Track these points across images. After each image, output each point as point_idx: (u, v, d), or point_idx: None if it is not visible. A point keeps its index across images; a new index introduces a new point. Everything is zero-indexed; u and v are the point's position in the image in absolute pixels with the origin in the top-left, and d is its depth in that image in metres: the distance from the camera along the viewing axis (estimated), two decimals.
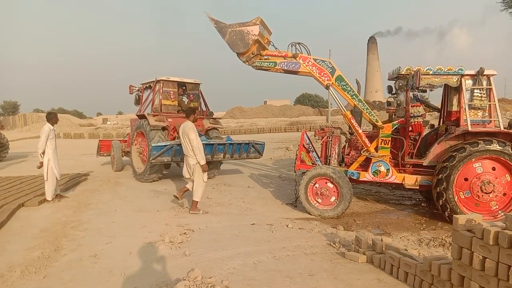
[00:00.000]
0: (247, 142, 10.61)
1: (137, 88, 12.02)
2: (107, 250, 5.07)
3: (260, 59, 7.43)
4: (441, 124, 7.66)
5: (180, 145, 8.65)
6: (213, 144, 9.59)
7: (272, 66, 7.41)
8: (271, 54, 7.46)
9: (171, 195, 8.68)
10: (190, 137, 6.86)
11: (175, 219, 6.69)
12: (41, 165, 7.86)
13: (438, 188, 6.39)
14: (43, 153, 7.82)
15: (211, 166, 10.77)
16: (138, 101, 11.93)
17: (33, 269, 4.40)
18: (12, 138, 26.02)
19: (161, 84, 10.60)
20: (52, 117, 8.14)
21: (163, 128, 10.22)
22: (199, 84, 11.50)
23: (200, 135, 9.38)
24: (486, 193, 6.27)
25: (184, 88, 11.45)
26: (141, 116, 10.63)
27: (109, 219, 6.70)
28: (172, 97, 10.82)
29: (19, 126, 57.45)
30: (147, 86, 11.47)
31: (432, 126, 8.22)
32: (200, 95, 11.56)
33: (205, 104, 11.67)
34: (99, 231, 5.98)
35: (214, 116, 11.69)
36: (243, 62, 7.44)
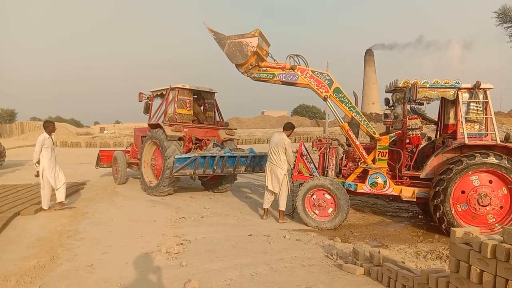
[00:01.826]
0: (254, 154, 9.97)
1: (146, 96, 11.49)
2: (103, 260, 5.04)
3: (258, 71, 7.49)
4: (438, 136, 7.71)
5: (203, 157, 8.62)
6: (236, 156, 9.29)
7: (271, 77, 7.45)
8: (269, 66, 7.52)
9: (168, 204, 8.71)
10: (288, 151, 7.34)
11: (171, 229, 6.66)
12: (37, 173, 7.81)
13: (435, 201, 6.40)
14: (38, 162, 7.75)
15: (226, 179, 10.46)
16: (147, 109, 11.34)
17: (29, 279, 4.36)
18: (9, 146, 25.96)
19: (176, 92, 10.02)
20: (48, 126, 8.03)
21: (179, 139, 9.61)
22: (214, 93, 11.10)
23: (222, 147, 9.31)
24: (483, 206, 6.28)
25: (198, 96, 10.90)
26: (155, 126, 9.95)
27: (105, 228, 6.67)
28: (188, 106, 10.23)
29: (16, 134, 57.26)
30: (158, 94, 10.96)
31: (429, 138, 8.26)
32: (215, 105, 11.14)
33: (220, 114, 11.22)
34: (95, 240, 5.94)
35: (229, 127, 11.15)
36: (242, 73, 7.50)
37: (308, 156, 7.81)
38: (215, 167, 9.05)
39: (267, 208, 7.68)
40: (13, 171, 15.63)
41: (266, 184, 7.49)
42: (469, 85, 6.67)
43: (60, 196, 7.95)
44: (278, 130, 8.37)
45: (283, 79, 7.39)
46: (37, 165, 7.78)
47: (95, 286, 4.21)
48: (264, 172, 7.65)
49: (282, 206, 7.35)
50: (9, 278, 4.35)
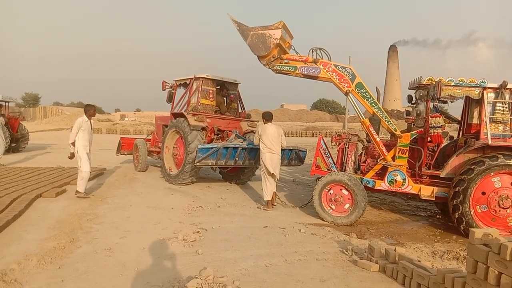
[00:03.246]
0: (291, 148, 10.02)
1: (170, 85, 11.51)
2: (121, 245, 5.14)
3: (280, 63, 7.47)
4: (460, 136, 7.58)
5: (226, 148, 8.71)
6: (258, 148, 9.26)
7: (292, 70, 7.42)
8: (291, 59, 7.49)
9: (185, 193, 8.81)
10: (283, 137, 8.06)
11: (188, 217, 6.75)
12: (72, 155, 7.81)
13: (454, 201, 6.31)
14: (73, 144, 7.71)
15: (246, 172, 10.50)
16: (170, 98, 11.41)
17: (49, 259, 4.48)
18: (32, 130, 26.53)
19: (200, 82, 10.05)
20: (89, 109, 7.92)
21: (202, 129, 9.64)
22: (238, 84, 11.04)
23: (244, 139, 9.32)
24: (503, 208, 6.18)
25: (221, 87, 10.92)
26: (178, 115, 9.98)
27: (124, 214, 6.79)
28: (211, 96, 10.25)
29: (39, 118, 58.62)
30: (182, 83, 10.99)
31: (451, 137, 8.13)
32: (238, 96, 11.11)
33: (242, 106, 11.22)
34: (114, 225, 6.06)
35: (251, 119, 11.12)
36: (264, 65, 7.49)
37: (327, 151, 7.78)
38: (237, 159, 9.08)
39: (270, 200, 7.83)
40: (36, 154, 16.02)
41: (268, 173, 7.71)
42: (495, 85, 6.52)
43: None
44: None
45: (305, 72, 7.35)
46: (71, 146, 7.75)
47: (113, 269, 4.31)
48: (268, 164, 7.71)
49: (274, 188, 7.88)
50: (30, 257, 4.48)
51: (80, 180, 7.73)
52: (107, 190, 8.70)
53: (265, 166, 7.72)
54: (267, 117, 8.05)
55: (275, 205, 7.93)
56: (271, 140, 7.74)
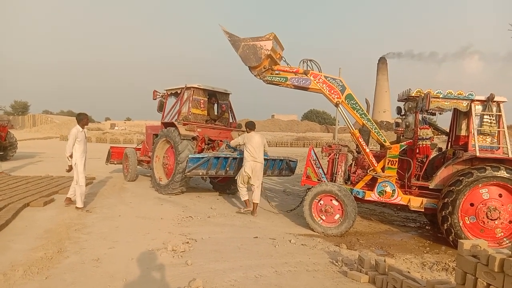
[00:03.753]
0: (282, 158, 10.17)
1: (161, 94, 11.48)
2: (109, 255, 5.08)
3: (271, 74, 7.50)
4: (449, 147, 7.66)
5: (217, 158, 8.75)
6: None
7: (283, 81, 7.46)
8: (282, 70, 7.53)
9: (175, 203, 8.75)
10: (266, 146, 8.56)
11: (178, 227, 6.70)
12: (69, 168, 7.59)
13: (443, 212, 6.36)
14: (71, 156, 7.49)
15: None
16: (161, 108, 11.32)
17: (36, 269, 4.41)
18: (21, 138, 26.26)
19: (191, 92, 10.06)
20: (82, 118, 7.71)
21: (193, 138, 9.62)
22: (229, 94, 11.09)
23: (234, 149, 9.36)
24: (491, 219, 6.24)
25: (211, 97, 10.87)
26: (169, 124, 10.00)
27: (113, 224, 6.72)
28: (202, 106, 10.27)
29: (27, 126, 58.05)
30: (173, 92, 11.00)
31: (440, 149, 8.21)
32: (229, 106, 11.11)
33: (233, 116, 11.21)
34: (102, 235, 5.99)
35: (242, 129, 10.98)
36: (255, 75, 7.52)
37: (317, 161, 7.80)
38: (227, 169, 9.07)
39: (248, 199, 8.28)
40: (24, 162, 15.81)
41: (247, 181, 8.17)
42: (483, 97, 6.63)
43: (71, 193, 7.75)
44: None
45: (296, 83, 7.39)
46: (69, 159, 7.52)
47: (101, 280, 4.25)
48: (249, 172, 8.08)
49: (258, 199, 8.21)
50: (16, 268, 4.41)
51: (79, 196, 7.53)
52: (96, 200, 8.61)
53: (245, 172, 8.07)
54: (251, 126, 8.36)
55: (255, 216, 8.06)
56: (255, 148, 8.07)
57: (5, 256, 4.83)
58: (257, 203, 8.22)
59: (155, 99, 11.54)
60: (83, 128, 7.68)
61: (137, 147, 12.77)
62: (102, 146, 26.47)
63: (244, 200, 8.27)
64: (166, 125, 10.17)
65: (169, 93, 11.22)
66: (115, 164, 12.93)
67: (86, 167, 7.88)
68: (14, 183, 9.58)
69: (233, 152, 9.33)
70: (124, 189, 10.26)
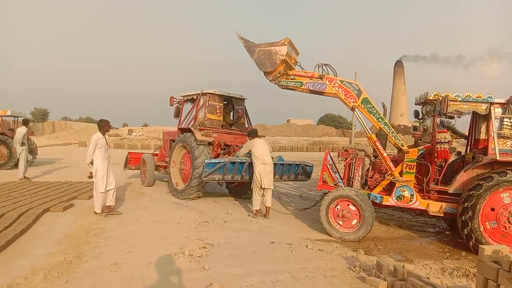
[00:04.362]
0: (298, 163, 10.16)
1: (177, 100, 11.57)
2: (127, 260, 5.14)
3: (286, 79, 7.50)
4: (468, 151, 7.53)
5: (233, 163, 8.82)
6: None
7: (298, 86, 7.46)
8: (297, 74, 7.52)
9: (192, 207, 8.80)
10: (270, 148, 8.64)
11: (195, 232, 6.73)
12: (91, 175, 7.65)
13: (463, 217, 6.24)
14: (91, 162, 7.55)
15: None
16: (178, 114, 11.53)
17: (56, 274, 4.49)
18: (41, 144, 26.76)
19: (207, 97, 10.14)
20: (103, 125, 7.77)
21: (209, 144, 9.69)
22: (244, 99, 11.12)
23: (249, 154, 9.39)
24: None
25: (227, 102, 10.98)
26: (186, 130, 10.08)
27: (130, 228, 6.79)
28: (218, 111, 10.34)
29: (47, 133, 59.16)
30: (189, 98, 11.08)
31: (459, 153, 8.09)
32: (245, 111, 11.15)
33: (249, 121, 11.26)
34: (120, 240, 6.06)
35: (259, 134, 11.21)
36: (270, 81, 7.53)
37: (334, 166, 7.76)
38: (243, 174, 9.08)
39: (259, 209, 8.35)
40: (44, 168, 16.11)
41: (260, 187, 8.17)
42: (502, 100, 6.50)
43: (109, 200, 7.79)
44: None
45: (311, 88, 7.38)
46: (90, 165, 7.58)
47: (119, 285, 4.30)
48: (259, 177, 8.15)
49: (270, 203, 8.34)
50: (37, 272, 4.49)
51: (96, 201, 7.61)
52: (114, 205, 8.68)
53: (258, 179, 8.12)
54: (253, 134, 8.70)
55: (268, 218, 8.21)
56: (261, 151, 8.24)
57: (26, 260, 4.93)
58: (269, 207, 8.32)
59: (172, 105, 11.66)
60: (104, 134, 7.73)
61: (155, 152, 12.88)
62: (120, 152, 26.76)
63: (255, 210, 8.32)
64: (183, 130, 10.26)
65: (185, 99, 11.31)
66: (132, 169, 13.09)
67: (113, 175, 7.87)
68: (34, 189, 9.77)
69: (248, 157, 9.34)
70: (141, 194, 10.35)
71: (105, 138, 7.77)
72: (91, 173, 7.64)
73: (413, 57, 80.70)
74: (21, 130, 12.16)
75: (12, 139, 15.00)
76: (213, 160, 8.78)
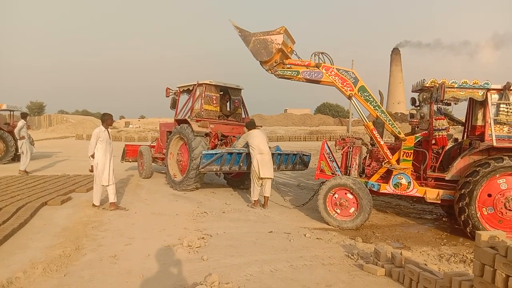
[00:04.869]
0: (295, 152, 10.18)
1: (173, 91, 11.53)
2: (126, 252, 5.14)
3: (283, 68, 7.47)
4: (465, 138, 7.55)
5: (230, 154, 8.81)
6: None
7: (295, 75, 7.42)
8: (294, 63, 7.49)
9: (190, 199, 8.81)
10: (267, 138, 8.64)
11: (193, 223, 6.74)
12: (92, 168, 7.60)
13: (460, 203, 6.27)
14: (93, 156, 7.49)
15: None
16: (174, 105, 11.43)
17: (55, 267, 4.49)
18: (37, 138, 26.67)
19: (203, 88, 10.10)
20: (106, 119, 7.65)
21: (206, 135, 9.65)
22: (241, 89, 11.07)
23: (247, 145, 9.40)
24: (510, 210, 6.14)
25: (224, 93, 10.91)
26: (182, 121, 10.05)
27: (129, 220, 6.80)
28: (214, 102, 10.30)
29: (44, 126, 58.92)
30: (185, 89, 11.04)
31: (456, 140, 8.10)
32: (241, 101, 11.12)
33: (245, 111, 11.24)
34: (119, 232, 6.06)
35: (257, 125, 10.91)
36: (266, 70, 7.50)
37: (331, 155, 7.77)
38: (241, 164, 9.08)
39: (257, 200, 8.36)
40: (41, 162, 16.06)
41: (258, 177, 8.14)
42: (499, 86, 6.49)
43: (111, 197, 7.64)
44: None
45: (308, 77, 7.35)
46: (91, 158, 7.53)
47: (118, 277, 4.31)
48: (256, 167, 8.13)
49: (269, 193, 8.39)
50: (36, 265, 4.49)
51: (95, 193, 7.59)
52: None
53: (256, 169, 8.11)
54: (250, 125, 8.66)
55: (266, 208, 8.24)
56: (258, 141, 8.25)
57: (24, 254, 4.92)
58: (268, 197, 8.36)
59: (168, 96, 11.60)
60: (106, 128, 7.68)
61: (152, 144, 12.84)
62: (117, 144, 26.73)
63: (254, 200, 8.32)
64: (180, 122, 10.22)
65: (181, 90, 11.25)
66: (130, 161, 13.04)
67: (113, 171, 7.76)
68: (31, 182, 9.74)
69: (245, 148, 9.35)
70: (139, 186, 10.35)
71: (108, 132, 7.71)
72: (92, 166, 7.61)
73: (416, 43, 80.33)
74: (19, 124, 12.13)
75: (8, 134, 15.01)
76: (211, 151, 8.75)
